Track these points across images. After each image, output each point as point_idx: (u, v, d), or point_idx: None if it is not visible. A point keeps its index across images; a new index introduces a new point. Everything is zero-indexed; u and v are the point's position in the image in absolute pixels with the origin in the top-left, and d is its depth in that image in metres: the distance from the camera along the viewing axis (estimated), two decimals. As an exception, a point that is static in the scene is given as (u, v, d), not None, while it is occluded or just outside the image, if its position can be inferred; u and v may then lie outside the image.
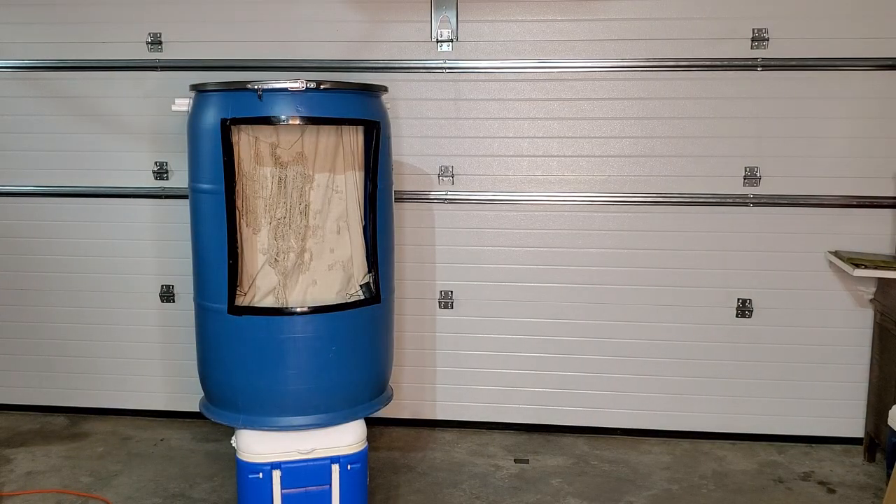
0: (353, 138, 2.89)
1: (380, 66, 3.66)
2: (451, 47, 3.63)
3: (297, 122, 2.71)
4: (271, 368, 2.77)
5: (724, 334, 3.71)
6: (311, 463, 2.75)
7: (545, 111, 3.64)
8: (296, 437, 2.77)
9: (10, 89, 3.82)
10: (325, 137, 2.84)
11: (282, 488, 2.73)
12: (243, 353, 2.78)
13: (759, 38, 3.50)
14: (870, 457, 3.58)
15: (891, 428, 2.97)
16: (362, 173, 2.94)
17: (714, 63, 3.53)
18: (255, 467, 2.72)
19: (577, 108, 3.63)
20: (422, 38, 3.63)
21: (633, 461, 3.57)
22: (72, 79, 3.78)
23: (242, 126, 2.73)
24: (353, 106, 2.83)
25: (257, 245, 2.81)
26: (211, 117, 2.73)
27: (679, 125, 3.59)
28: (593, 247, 3.71)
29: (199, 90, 2.82)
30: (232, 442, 2.84)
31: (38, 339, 4.00)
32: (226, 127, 2.69)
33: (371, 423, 3.71)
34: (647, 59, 3.56)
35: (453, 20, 3.61)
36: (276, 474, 2.73)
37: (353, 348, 2.86)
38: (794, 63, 3.50)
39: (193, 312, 2.97)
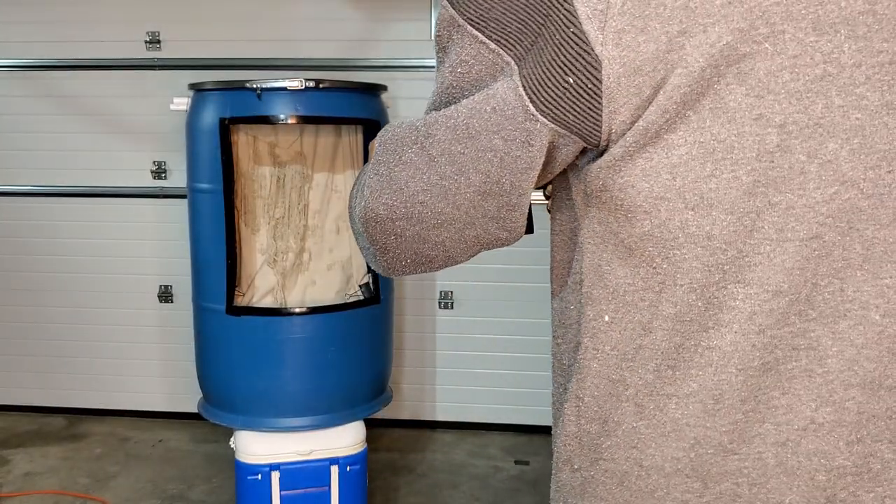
0: (353, 138, 2.88)
1: (379, 64, 3.65)
2: (450, 46, 3.61)
3: (296, 121, 2.70)
4: (270, 369, 2.75)
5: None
6: (310, 464, 2.74)
7: (545, 110, 3.62)
8: (295, 438, 2.76)
9: (6, 88, 3.80)
10: (325, 137, 2.82)
11: (281, 490, 2.72)
12: (242, 354, 2.76)
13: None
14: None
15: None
16: (362, 173, 2.92)
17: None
18: (254, 468, 2.70)
19: (578, 108, 3.61)
20: (421, 36, 3.61)
21: (633, 462, 3.56)
22: (69, 78, 3.76)
23: (241, 125, 2.72)
24: (352, 105, 2.81)
25: (256, 245, 2.80)
26: (209, 116, 2.71)
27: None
28: (594, 247, 3.69)
29: (198, 89, 2.80)
30: (230, 443, 2.83)
31: (36, 339, 3.98)
32: (224, 126, 2.67)
33: (370, 424, 3.69)
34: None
35: (453, 19, 3.59)
36: (275, 476, 2.71)
37: (353, 349, 2.85)
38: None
39: (192, 313, 2.95)
